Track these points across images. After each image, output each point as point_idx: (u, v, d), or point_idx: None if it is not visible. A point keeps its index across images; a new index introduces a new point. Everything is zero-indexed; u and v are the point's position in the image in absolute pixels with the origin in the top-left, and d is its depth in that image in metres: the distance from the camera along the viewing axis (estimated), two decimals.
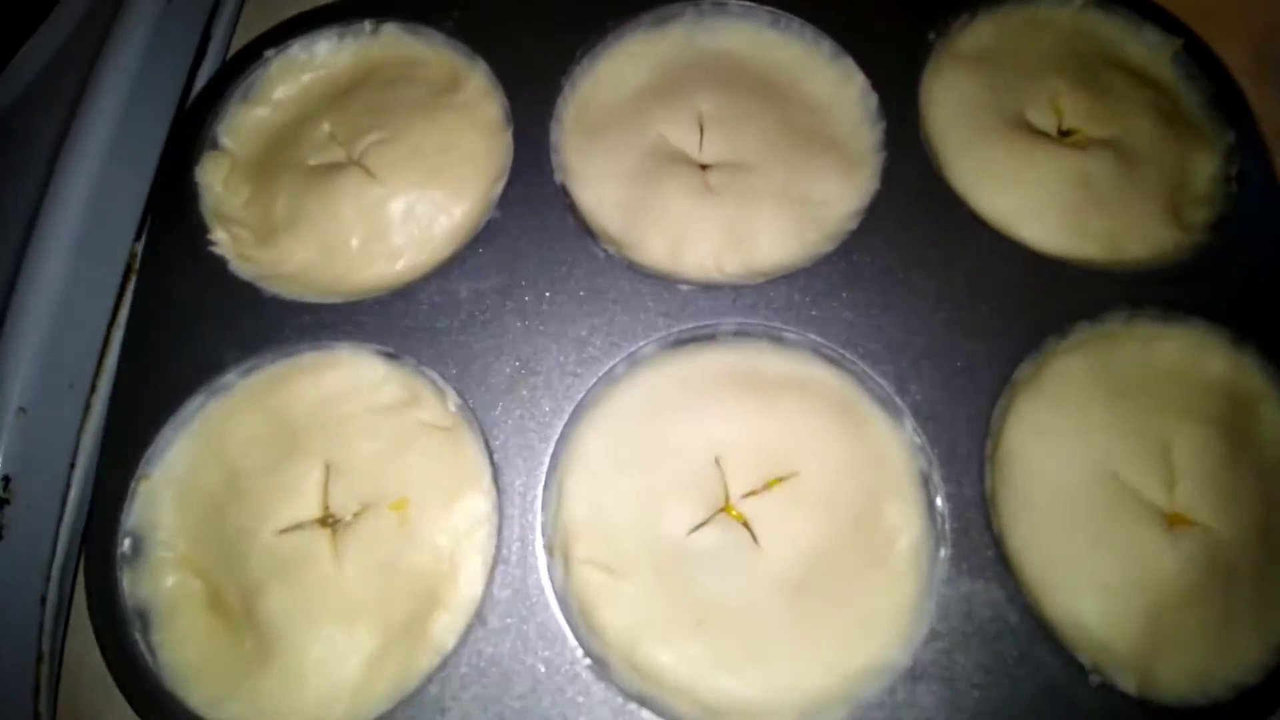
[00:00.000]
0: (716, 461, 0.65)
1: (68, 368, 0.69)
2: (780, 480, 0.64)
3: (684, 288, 0.69)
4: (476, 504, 0.64)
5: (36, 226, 0.69)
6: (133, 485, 0.65)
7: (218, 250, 0.72)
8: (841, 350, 0.67)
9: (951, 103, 0.75)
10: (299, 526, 0.63)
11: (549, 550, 0.63)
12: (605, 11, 0.79)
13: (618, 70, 0.78)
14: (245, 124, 0.79)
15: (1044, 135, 0.74)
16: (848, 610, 0.61)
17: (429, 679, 0.59)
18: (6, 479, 0.62)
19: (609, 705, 0.59)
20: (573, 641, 0.60)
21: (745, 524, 0.63)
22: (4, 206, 0.71)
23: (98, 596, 0.63)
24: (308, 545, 0.62)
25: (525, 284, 0.70)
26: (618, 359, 0.67)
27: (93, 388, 0.70)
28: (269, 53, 0.79)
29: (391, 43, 0.81)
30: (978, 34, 0.79)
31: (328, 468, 0.65)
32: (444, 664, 0.59)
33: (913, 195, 0.71)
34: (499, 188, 0.73)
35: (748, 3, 0.79)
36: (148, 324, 0.71)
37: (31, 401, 0.64)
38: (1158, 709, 0.58)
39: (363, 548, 0.62)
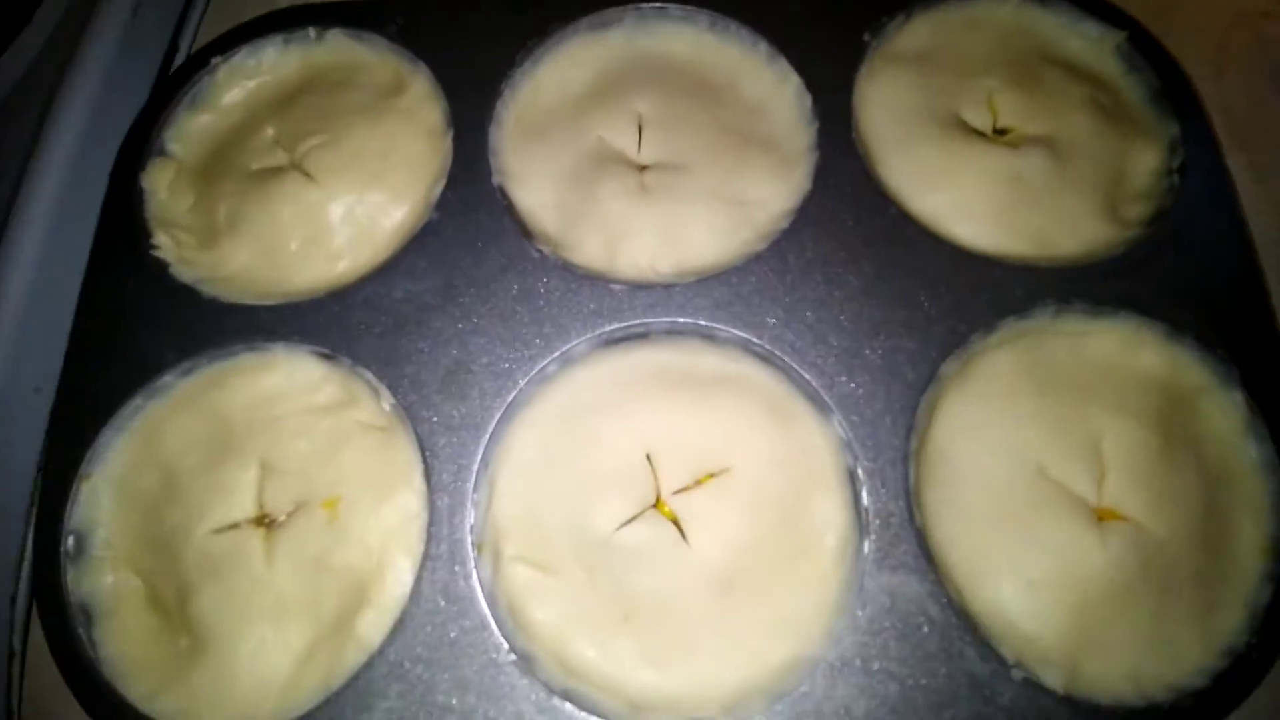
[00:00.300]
0: (648, 458, 0.65)
1: (33, 373, 0.71)
2: (711, 476, 0.64)
3: (617, 287, 0.69)
4: (407, 502, 0.64)
5: (4, 237, 0.70)
6: (75, 485, 0.66)
7: (159, 254, 0.73)
8: (771, 347, 0.67)
9: (885, 103, 0.75)
10: (234, 526, 0.64)
11: (478, 548, 0.63)
12: (547, 16, 0.79)
13: (559, 73, 0.79)
14: (192, 130, 0.80)
15: (978, 134, 0.74)
16: (773, 604, 0.62)
17: (355, 676, 0.60)
18: None
19: (534, 701, 0.59)
20: (499, 638, 0.61)
21: (675, 520, 0.63)
22: None
23: (45, 593, 0.64)
24: (240, 545, 0.63)
25: (461, 285, 0.70)
26: (550, 358, 0.68)
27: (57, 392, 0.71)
28: (216, 60, 0.80)
29: (336, 48, 0.82)
30: (914, 34, 0.79)
31: (263, 467, 0.66)
32: (370, 661, 0.60)
33: (844, 195, 0.72)
34: (438, 190, 0.73)
35: (688, 6, 0.79)
36: (91, 327, 0.72)
37: None
38: (1088, 707, 0.58)
39: (294, 547, 0.63)
